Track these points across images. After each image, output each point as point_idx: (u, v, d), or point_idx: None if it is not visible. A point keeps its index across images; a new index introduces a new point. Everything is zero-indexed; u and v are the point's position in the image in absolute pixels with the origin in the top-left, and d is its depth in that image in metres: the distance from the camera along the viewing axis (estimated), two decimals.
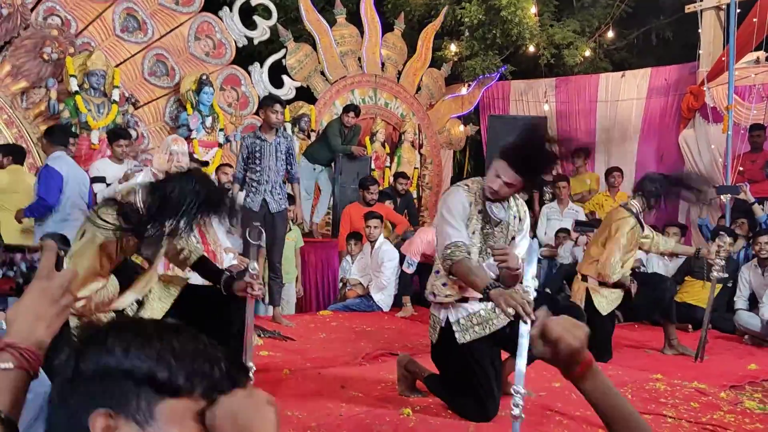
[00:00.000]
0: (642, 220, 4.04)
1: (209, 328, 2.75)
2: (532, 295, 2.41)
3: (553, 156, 2.81)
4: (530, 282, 2.43)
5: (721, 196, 5.85)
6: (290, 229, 5.42)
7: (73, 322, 2.39)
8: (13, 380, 0.97)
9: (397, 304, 5.70)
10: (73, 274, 1.10)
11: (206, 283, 3.07)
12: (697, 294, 5.26)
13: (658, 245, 4.34)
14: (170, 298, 2.67)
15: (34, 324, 1.02)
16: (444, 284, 2.94)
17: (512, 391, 2.49)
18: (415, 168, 8.74)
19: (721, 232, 4.33)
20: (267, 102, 4.96)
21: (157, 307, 2.61)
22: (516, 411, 2.43)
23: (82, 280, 2.22)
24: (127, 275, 2.33)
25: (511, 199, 3.00)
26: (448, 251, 2.75)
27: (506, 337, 3.06)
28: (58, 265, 1.08)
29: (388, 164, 8.51)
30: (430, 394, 3.17)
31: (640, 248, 4.38)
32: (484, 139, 9.95)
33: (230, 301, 2.82)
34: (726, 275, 4.56)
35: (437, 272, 2.99)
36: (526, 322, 2.39)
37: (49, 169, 4.84)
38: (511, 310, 2.39)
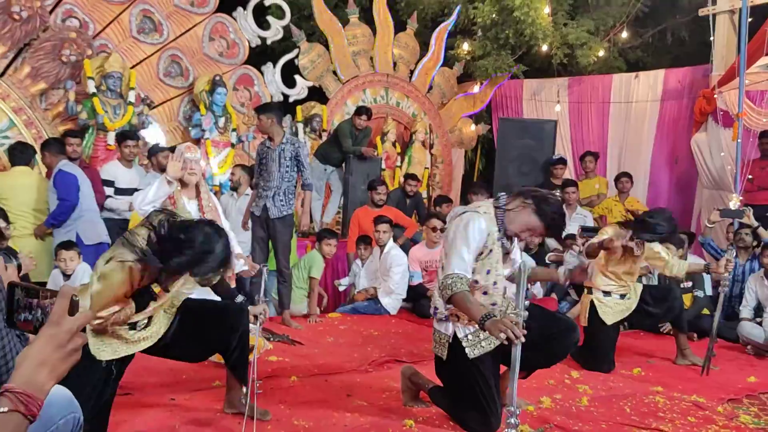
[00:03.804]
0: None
1: (213, 335, 2.89)
2: (523, 316, 2.55)
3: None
4: (521, 303, 2.55)
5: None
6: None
7: (91, 338, 2.50)
8: (9, 423, 1.04)
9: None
10: (86, 319, 1.15)
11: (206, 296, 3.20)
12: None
13: (672, 268, 4.37)
14: (173, 309, 2.79)
15: (37, 369, 1.08)
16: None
17: (506, 412, 2.61)
18: (425, 168, 8.78)
19: (731, 248, 4.34)
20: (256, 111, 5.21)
21: (163, 320, 2.72)
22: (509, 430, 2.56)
23: (104, 304, 2.32)
24: (143, 299, 2.43)
25: None
26: (449, 281, 2.77)
27: (507, 352, 3.14)
28: (73, 310, 1.13)
29: (398, 164, 8.56)
30: (433, 404, 3.27)
31: (656, 269, 4.46)
32: (495, 137, 9.99)
33: (230, 309, 2.97)
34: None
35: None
36: (516, 345, 2.50)
37: (62, 173, 5.14)
38: (503, 336, 2.49)
